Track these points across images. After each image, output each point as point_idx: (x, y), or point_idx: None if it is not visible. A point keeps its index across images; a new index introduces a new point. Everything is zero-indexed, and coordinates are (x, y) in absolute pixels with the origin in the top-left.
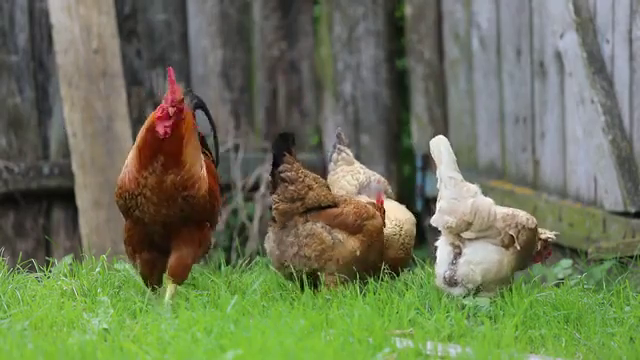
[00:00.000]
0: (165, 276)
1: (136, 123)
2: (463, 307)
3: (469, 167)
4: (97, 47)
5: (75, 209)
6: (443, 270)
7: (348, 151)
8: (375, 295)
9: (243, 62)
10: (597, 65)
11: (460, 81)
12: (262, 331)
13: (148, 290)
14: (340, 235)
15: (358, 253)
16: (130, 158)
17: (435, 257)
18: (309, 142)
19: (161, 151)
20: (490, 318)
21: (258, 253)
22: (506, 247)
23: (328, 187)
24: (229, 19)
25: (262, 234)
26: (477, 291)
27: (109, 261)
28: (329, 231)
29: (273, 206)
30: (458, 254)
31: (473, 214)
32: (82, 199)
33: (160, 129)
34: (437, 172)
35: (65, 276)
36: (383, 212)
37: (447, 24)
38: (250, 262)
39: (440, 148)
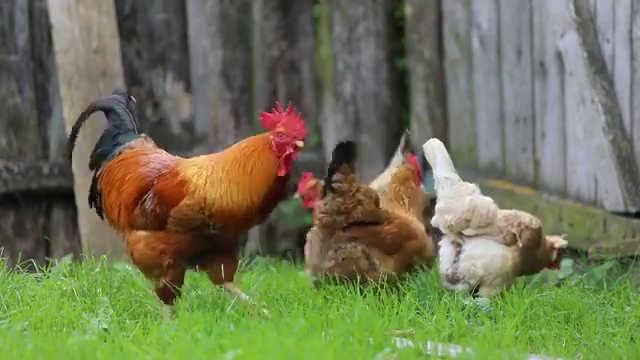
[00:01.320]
0: (222, 279)
1: None
2: (463, 307)
3: (469, 167)
4: (97, 47)
5: (75, 209)
6: (445, 268)
7: (399, 155)
8: (375, 295)
9: (243, 62)
10: (598, 65)
11: (460, 81)
12: (262, 331)
13: (167, 307)
14: (377, 259)
15: (393, 274)
16: (224, 176)
17: (437, 257)
18: (309, 142)
19: (279, 196)
20: (490, 318)
21: (258, 253)
22: (508, 245)
23: (377, 201)
24: (229, 19)
25: (262, 234)
26: (478, 288)
27: (109, 261)
28: (368, 255)
29: (317, 214)
30: (459, 252)
31: (471, 211)
32: (82, 199)
33: (287, 169)
34: (433, 174)
35: (65, 276)
36: (419, 175)
37: (447, 24)
38: (250, 262)
39: (434, 151)
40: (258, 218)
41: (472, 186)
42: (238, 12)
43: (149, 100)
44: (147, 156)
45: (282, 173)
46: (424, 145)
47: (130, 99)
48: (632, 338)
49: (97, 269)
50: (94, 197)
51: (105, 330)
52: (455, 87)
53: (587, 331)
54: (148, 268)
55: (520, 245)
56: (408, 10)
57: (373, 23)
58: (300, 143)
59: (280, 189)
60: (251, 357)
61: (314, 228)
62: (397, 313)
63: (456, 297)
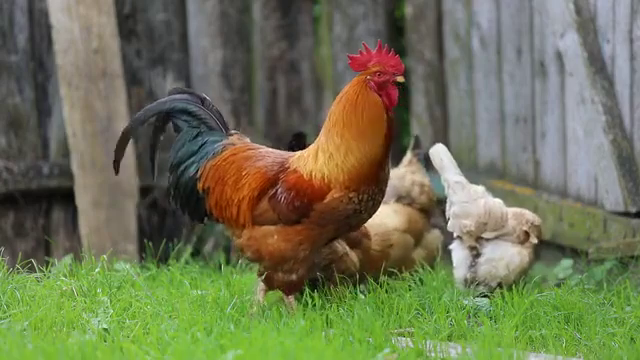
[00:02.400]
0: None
1: None
2: (463, 307)
3: (469, 167)
4: (97, 47)
5: (75, 209)
6: (463, 273)
7: (406, 157)
8: (375, 295)
9: (243, 62)
10: (598, 65)
11: (460, 81)
12: (262, 331)
13: (293, 298)
14: (346, 247)
15: (357, 267)
16: (344, 150)
17: (444, 260)
18: (309, 142)
19: (393, 134)
20: (490, 318)
21: None
22: (522, 243)
23: None
24: (229, 19)
25: None
26: (499, 286)
27: (109, 261)
28: (338, 241)
29: None
30: (476, 255)
31: (487, 214)
32: (82, 199)
33: (394, 105)
34: (442, 179)
35: (65, 276)
36: None
37: (447, 24)
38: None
39: (440, 155)
40: (383, 172)
41: (481, 189)
42: (238, 12)
43: (149, 100)
44: (257, 150)
45: (392, 112)
46: (430, 151)
47: (205, 98)
48: (632, 338)
49: (97, 269)
50: (181, 198)
51: (105, 330)
52: (455, 87)
53: (587, 331)
54: (280, 261)
55: (535, 242)
56: (408, 10)
57: (373, 23)
58: (400, 78)
59: (392, 131)
60: (251, 357)
61: None
62: (397, 313)
63: (456, 297)
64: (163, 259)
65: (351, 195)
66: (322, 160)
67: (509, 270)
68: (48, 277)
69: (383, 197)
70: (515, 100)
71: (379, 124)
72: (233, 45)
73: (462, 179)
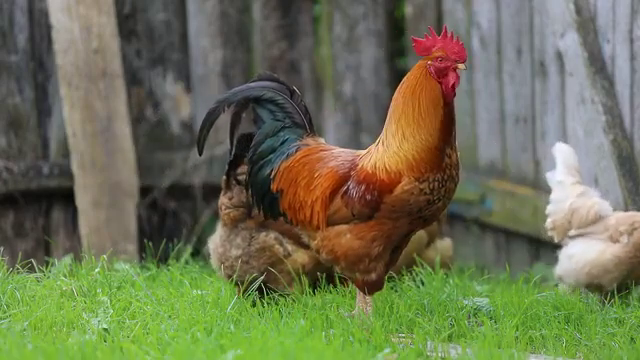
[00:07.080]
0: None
1: (135, 123)
2: (463, 307)
3: (469, 167)
4: (97, 47)
5: (75, 209)
6: (557, 269)
7: None
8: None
9: (243, 62)
10: (598, 65)
11: (460, 81)
12: (262, 331)
13: (370, 298)
14: (290, 246)
15: (305, 269)
16: (404, 135)
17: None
18: None
19: (453, 119)
20: (490, 318)
21: None
22: (614, 242)
23: None
24: (229, 19)
25: None
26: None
27: (109, 261)
28: (281, 242)
29: (223, 210)
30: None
31: (570, 213)
32: (82, 199)
33: (453, 95)
34: (547, 176)
35: (65, 276)
36: None
37: (447, 24)
38: None
39: (557, 154)
40: (445, 158)
41: (582, 189)
42: (238, 12)
43: (149, 100)
44: (330, 152)
45: (449, 99)
46: (553, 148)
47: (294, 91)
48: (632, 338)
49: (97, 269)
50: (257, 195)
51: (105, 330)
52: None
53: (587, 331)
54: (355, 261)
55: (625, 241)
56: (408, 10)
57: (373, 23)
58: (462, 66)
59: (451, 118)
60: (251, 357)
61: (216, 234)
62: (397, 313)
63: (455, 297)
64: (163, 259)
65: (422, 186)
66: (382, 149)
67: (579, 264)
68: (48, 277)
69: (456, 184)
70: (515, 100)
71: (435, 110)
72: (233, 45)
73: (567, 179)
